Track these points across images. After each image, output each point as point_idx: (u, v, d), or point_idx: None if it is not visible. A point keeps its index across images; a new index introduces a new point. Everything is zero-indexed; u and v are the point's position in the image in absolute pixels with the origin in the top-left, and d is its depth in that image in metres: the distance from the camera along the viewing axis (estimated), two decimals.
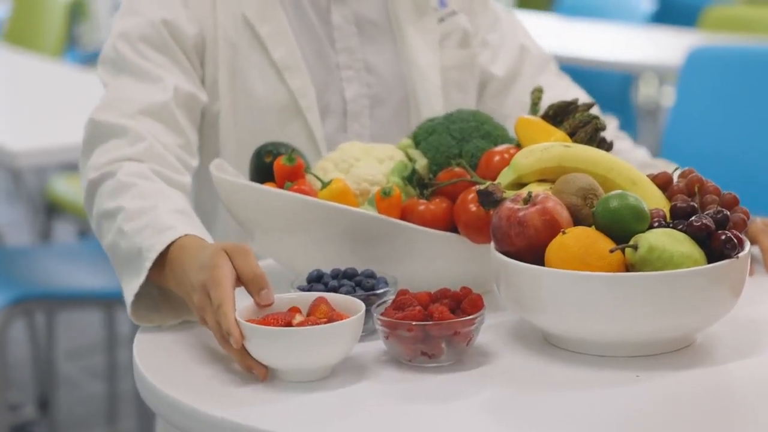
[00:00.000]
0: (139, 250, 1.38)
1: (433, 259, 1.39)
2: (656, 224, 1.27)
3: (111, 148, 1.52)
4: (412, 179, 1.45)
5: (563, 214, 1.27)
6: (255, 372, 1.22)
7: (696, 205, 1.29)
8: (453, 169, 1.43)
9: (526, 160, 1.35)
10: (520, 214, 1.27)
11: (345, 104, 1.72)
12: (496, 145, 1.48)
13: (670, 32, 4.07)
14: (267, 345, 1.21)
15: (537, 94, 1.50)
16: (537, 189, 1.34)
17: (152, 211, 1.41)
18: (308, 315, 1.25)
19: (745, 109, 2.81)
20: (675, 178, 1.38)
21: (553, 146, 1.36)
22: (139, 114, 1.56)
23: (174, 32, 1.63)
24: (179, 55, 1.63)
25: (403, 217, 1.41)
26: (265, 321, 1.23)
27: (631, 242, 1.23)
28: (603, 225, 1.26)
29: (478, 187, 1.35)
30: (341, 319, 1.22)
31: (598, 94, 4.10)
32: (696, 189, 1.34)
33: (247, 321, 1.22)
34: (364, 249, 1.40)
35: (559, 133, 1.42)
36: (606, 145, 1.45)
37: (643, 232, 1.24)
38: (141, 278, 1.36)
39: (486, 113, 1.53)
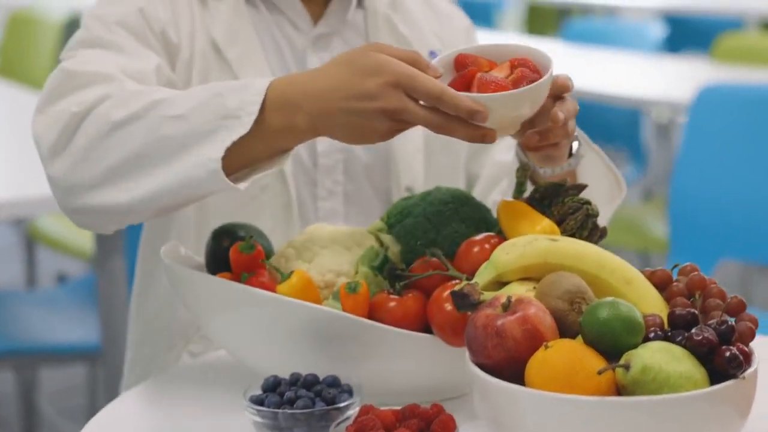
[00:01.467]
0: (223, 114, 1.26)
1: (404, 362, 1.25)
2: (652, 335, 1.12)
3: (95, 90, 1.36)
4: (383, 269, 1.31)
5: (547, 323, 1.13)
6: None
7: (696, 312, 1.14)
8: (428, 260, 1.29)
9: (507, 256, 1.21)
10: (498, 322, 1.12)
11: (316, 157, 1.59)
12: (477, 229, 1.34)
13: (680, 62, 3.93)
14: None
15: (522, 172, 1.35)
16: (519, 290, 1.19)
17: (207, 89, 1.32)
18: None
19: (758, 151, 2.67)
20: (675, 275, 1.23)
21: (537, 240, 1.22)
22: (122, 73, 1.41)
23: (151, 25, 1.51)
24: (156, 48, 1.50)
25: (371, 314, 1.26)
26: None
27: (623, 361, 1.08)
28: (591, 338, 1.11)
29: (454, 285, 1.20)
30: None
31: (606, 123, 3.99)
32: (697, 294, 1.19)
33: None
34: (329, 348, 1.25)
35: (545, 221, 1.27)
36: (599, 234, 1.31)
37: (637, 346, 1.10)
38: (241, 130, 1.25)
39: (466, 192, 1.39)
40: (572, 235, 1.29)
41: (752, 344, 1.13)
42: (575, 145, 1.50)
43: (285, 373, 1.24)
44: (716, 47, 3.72)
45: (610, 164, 1.60)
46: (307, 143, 1.55)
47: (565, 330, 1.14)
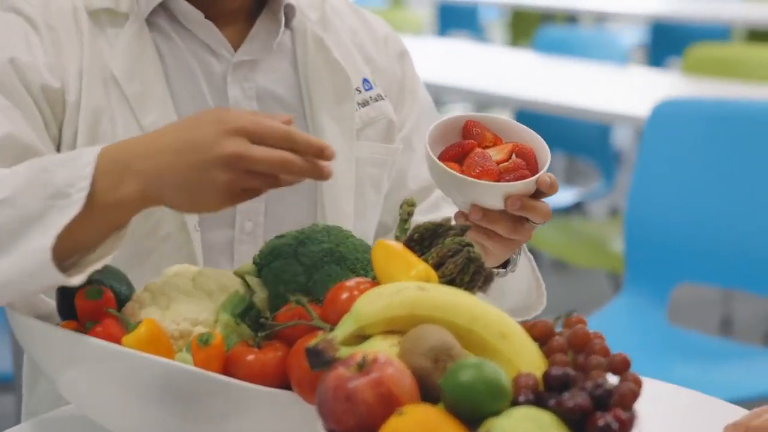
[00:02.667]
0: (51, 193, 1.13)
1: (263, 421, 1.14)
2: (522, 398, 1.01)
3: None
4: (246, 317, 1.19)
5: (405, 386, 1.01)
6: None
7: (572, 373, 1.02)
8: (293, 307, 1.17)
9: (370, 306, 1.09)
10: (350, 384, 1.00)
11: None
12: (354, 272, 1.22)
13: (649, 74, 3.80)
14: None
15: (407, 208, 1.23)
16: (381, 345, 1.07)
17: (33, 165, 1.19)
18: None
19: (715, 169, 2.55)
20: (560, 327, 1.12)
21: (405, 288, 1.10)
22: None
23: (23, 76, 1.36)
24: (26, 102, 1.36)
25: (227, 369, 1.14)
26: None
27: (482, 430, 0.97)
28: (451, 403, 0.99)
29: (312, 338, 1.08)
30: None
31: (575, 137, 3.87)
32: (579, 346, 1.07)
33: None
34: (180, 406, 1.14)
35: (421, 266, 1.15)
36: (482, 279, 1.19)
37: (501, 412, 0.98)
38: (72, 211, 1.12)
39: (346, 230, 1.27)
40: (452, 281, 1.17)
41: (639, 407, 1.02)
42: (516, 257, 1.41)
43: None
44: (687, 58, 3.60)
45: (537, 275, 1.51)
46: None
47: (429, 392, 1.02)
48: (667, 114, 2.57)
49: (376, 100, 1.53)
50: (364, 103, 1.52)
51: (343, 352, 1.06)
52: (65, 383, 1.19)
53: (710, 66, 3.55)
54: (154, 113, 1.39)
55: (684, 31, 5.77)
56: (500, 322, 1.09)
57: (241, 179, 1.11)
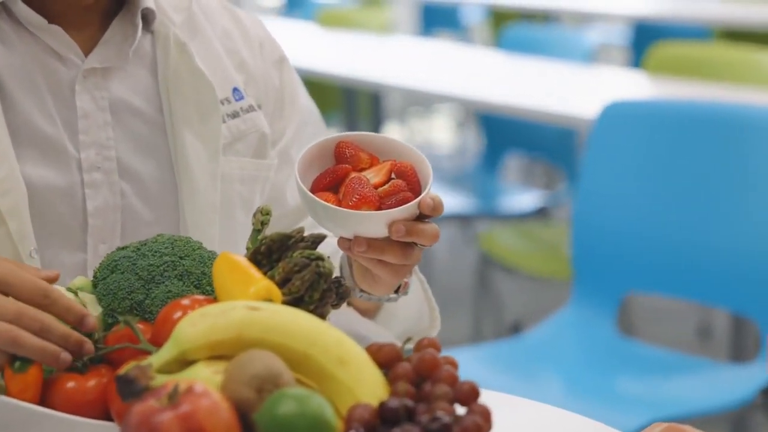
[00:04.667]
0: None
1: None
2: None
3: None
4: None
5: (220, 421, 0.89)
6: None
7: (410, 405, 0.91)
8: (122, 328, 1.06)
9: (192, 329, 0.97)
10: (155, 419, 0.89)
11: (85, 217, 1.30)
12: (198, 288, 1.10)
13: (607, 74, 3.68)
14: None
15: (260, 216, 1.12)
16: (203, 373, 0.96)
17: None
18: None
19: (664, 174, 2.43)
20: (411, 351, 1.00)
21: (233, 308, 0.98)
22: None
23: None
24: None
25: (46, 397, 1.03)
26: None
27: None
28: None
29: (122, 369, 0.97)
30: None
31: (538, 138, 3.75)
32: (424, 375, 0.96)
33: None
34: None
35: (262, 282, 1.04)
36: (335, 296, 1.07)
37: None
38: None
39: (195, 241, 1.15)
40: (299, 299, 1.05)
41: None
42: (408, 280, 1.30)
43: None
44: (651, 58, 3.47)
45: (430, 297, 1.40)
46: (73, 198, 1.29)
47: (252, 428, 0.91)
48: (615, 116, 2.45)
49: (248, 112, 1.40)
50: (234, 115, 1.39)
51: (160, 380, 0.95)
52: None
53: (676, 66, 3.42)
54: None
55: (665, 32, 5.65)
56: (339, 346, 0.97)
57: None
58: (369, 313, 1.35)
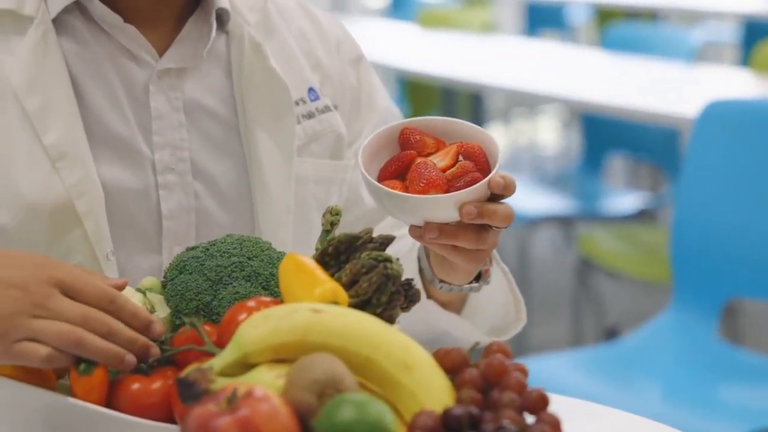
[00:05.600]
0: None
1: None
2: None
3: None
4: None
5: (279, 426, 0.87)
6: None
7: (475, 413, 0.87)
8: (188, 329, 1.04)
9: (254, 331, 0.95)
10: (213, 423, 0.87)
11: (160, 219, 1.29)
12: (266, 289, 1.08)
13: (716, 73, 3.59)
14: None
15: (329, 217, 1.09)
16: (266, 377, 0.94)
17: None
18: None
19: (763, 176, 2.35)
20: (479, 356, 0.96)
21: (296, 310, 0.96)
22: None
23: None
24: None
25: (112, 399, 1.02)
26: None
27: None
28: None
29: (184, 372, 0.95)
30: None
31: (642, 139, 3.66)
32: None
33: None
34: None
35: (328, 284, 1.01)
36: (403, 299, 1.04)
37: None
38: None
39: (264, 242, 1.13)
40: (366, 302, 1.02)
41: None
42: (488, 268, 1.26)
43: None
44: (755, 56, 3.37)
45: (514, 289, 1.36)
46: (147, 200, 1.28)
47: None
48: (716, 115, 2.38)
49: (323, 112, 1.38)
50: (309, 116, 1.37)
51: (220, 383, 0.93)
52: None
53: None
54: (57, 130, 1.24)
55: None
56: (405, 351, 0.94)
57: (26, 324, 0.98)
58: (452, 306, 1.31)
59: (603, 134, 3.88)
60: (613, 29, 4.38)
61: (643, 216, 3.65)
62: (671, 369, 2.40)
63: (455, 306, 1.31)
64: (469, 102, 4.28)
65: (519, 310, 1.37)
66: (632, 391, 2.38)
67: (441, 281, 1.24)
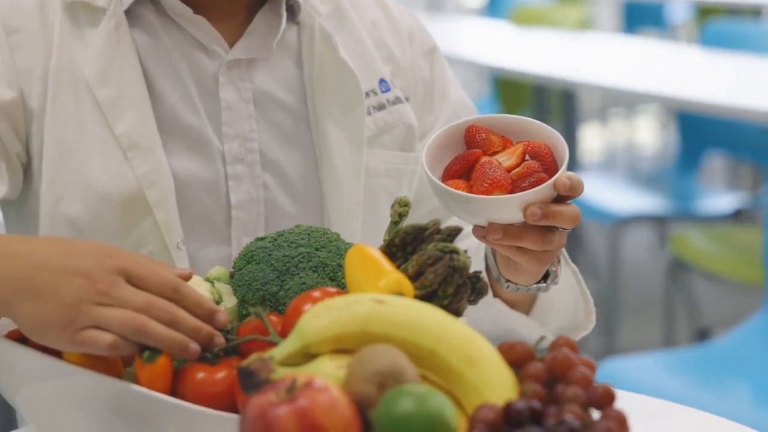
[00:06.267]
0: None
1: None
2: None
3: None
4: None
5: (338, 417, 0.85)
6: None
7: (537, 407, 0.85)
8: (254, 319, 1.04)
9: (316, 321, 0.94)
10: (272, 413, 0.86)
11: (229, 210, 1.29)
12: (333, 280, 1.07)
13: None
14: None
15: (398, 208, 1.08)
16: (327, 367, 0.93)
17: None
18: None
19: None
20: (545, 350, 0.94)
21: (358, 301, 0.95)
22: None
23: None
24: None
25: (176, 387, 1.02)
26: None
27: None
28: None
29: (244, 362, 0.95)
30: None
31: (746, 139, 3.58)
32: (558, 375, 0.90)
33: None
34: (132, 427, 1.02)
35: (392, 275, 1.00)
36: (470, 292, 1.03)
37: None
38: None
39: (333, 233, 1.12)
40: (432, 294, 1.01)
41: None
42: (556, 268, 1.24)
43: None
44: None
45: (584, 289, 1.33)
46: (217, 191, 1.29)
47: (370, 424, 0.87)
48: None
49: (394, 104, 1.37)
50: (380, 107, 1.36)
51: (281, 373, 0.92)
52: (21, 401, 1.09)
53: None
54: (129, 121, 1.25)
55: None
56: (469, 344, 0.92)
57: (91, 312, 0.98)
58: (520, 305, 1.29)
59: (701, 133, 3.81)
60: (713, 26, 4.29)
61: (739, 216, 3.57)
62: (764, 371, 2.34)
63: (523, 305, 1.29)
64: (560, 100, 4.23)
65: (588, 311, 1.34)
66: (723, 393, 2.33)
67: (507, 281, 1.22)
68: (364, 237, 1.29)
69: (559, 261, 1.24)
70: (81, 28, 1.27)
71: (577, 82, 3.81)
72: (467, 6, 8.59)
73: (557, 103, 4.28)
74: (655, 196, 3.71)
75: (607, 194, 3.73)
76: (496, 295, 1.26)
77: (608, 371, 2.34)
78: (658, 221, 3.85)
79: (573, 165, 4.01)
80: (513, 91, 4.65)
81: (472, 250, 1.26)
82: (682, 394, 2.26)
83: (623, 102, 6.85)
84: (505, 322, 1.27)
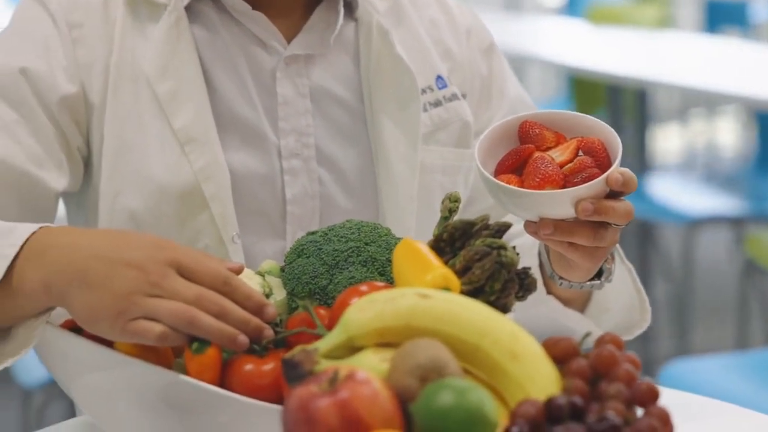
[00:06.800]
0: None
1: None
2: (515, 430, 0.84)
3: None
4: None
5: (379, 409, 0.86)
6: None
7: (579, 403, 0.85)
8: (300, 314, 1.04)
9: (360, 314, 0.95)
10: (313, 404, 0.86)
11: (284, 204, 1.31)
12: (381, 274, 1.08)
13: None
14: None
15: (448, 203, 1.08)
16: (371, 360, 0.93)
17: None
18: None
19: None
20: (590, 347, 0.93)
21: (403, 295, 0.95)
22: None
23: (36, 87, 1.25)
24: (36, 115, 1.25)
25: (225, 378, 1.03)
26: None
27: None
28: (423, 431, 0.84)
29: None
30: None
31: None
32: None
33: None
34: (182, 417, 1.03)
35: (439, 270, 1.00)
36: (518, 288, 1.02)
37: None
38: None
39: (384, 228, 1.13)
40: (479, 289, 1.01)
41: None
42: (610, 266, 1.23)
43: None
44: None
45: (639, 287, 1.32)
46: (273, 185, 1.30)
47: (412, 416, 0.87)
48: None
49: (450, 100, 1.37)
50: (436, 104, 1.36)
51: (325, 365, 0.93)
52: (76, 391, 1.11)
53: None
54: (187, 115, 1.27)
55: None
56: (513, 339, 0.92)
57: (143, 303, 0.99)
58: (575, 303, 1.28)
59: None
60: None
61: None
62: None
63: (578, 303, 1.28)
64: (634, 100, 4.19)
65: (644, 309, 1.33)
66: None
67: (561, 278, 1.21)
68: (419, 232, 1.29)
69: (613, 258, 1.23)
70: (142, 24, 1.29)
71: (653, 81, 3.77)
72: (546, 5, 8.54)
73: (631, 102, 4.24)
74: (731, 197, 3.66)
75: (683, 195, 3.69)
76: (549, 292, 1.26)
77: (679, 372, 2.32)
78: (733, 222, 3.81)
79: (645, 165, 3.97)
80: (588, 90, 4.61)
81: (527, 247, 1.25)
82: (753, 397, 2.23)
83: (703, 102, 6.76)
84: (559, 319, 1.27)
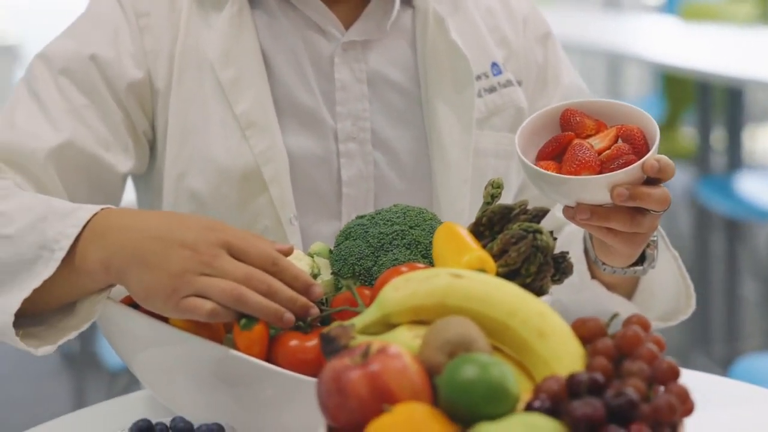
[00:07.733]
0: (41, 243, 1.11)
1: (300, 411, 1.05)
2: (537, 404, 0.87)
3: None
4: None
5: (408, 382, 0.90)
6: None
7: (600, 379, 0.87)
8: (344, 293, 1.09)
9: (395, 293, 0.98)
10: (345, 376, 0.91)
11: (340, 186, 1.36)
12: (424, 257, 1.12)
13: None
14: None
15: (491, 189, 1.11)
16: (405, 336, 0.97)
17: (41, 207, 1.15)
18: None
19: None
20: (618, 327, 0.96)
21: (437, 275, 0.98)
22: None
23: (105, 73, 1.32)
24: (104, 100, 1.32)
25: (272, 353, 1.08)
26: None
27: None
28: (446, 402, 0.87)
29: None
30: None
31: None
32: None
33: None
34: (234, 390, 1.08)
35: (475, 252, 1.03)
36: (553, 271, 1.05)
37: (500, 416, 0.85)
38: (47, 271, 1.10)
39: (429, 212, 1.16)
40: (515, 272, 1.04)
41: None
42: (653, 252, 1.25)
43: (196, 413, 1.09)
44: None
45: (684, 274, 1.34)
46: (329, 167, 1.35)
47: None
48: None
49: (505, 86, 1.41)
50: (491, 90, 1.39)
51: (360, 340, 0.97)
52: (136, 366, 1.17)
53: None
54: (248, 100, 1.32)
55: None
56: (541, 318, 0.95)
57: (194, 282, 1.04)
58: (620, 288, 1.30)
59: None
60: None
61: None
62: None
63: (624, 289, 1.31)
64: (725, 98, 4.15)
65: (689, 296, 1.34)
66: None
67: (603, 263, 1.24)
68: (472, 216, 1.33)
69: (656, 245, 1.25)
70: (206, 12, 1.35)
71: (745, 79, 3.73)
72: (645, 3, 8.46)
73: (721, 100, 4.20)
74: None
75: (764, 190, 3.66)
76: (594, 277, 1.28)
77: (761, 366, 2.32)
78: None
79: (736, 164, 3.93)
80: (679, 87, 4.58)
81: (573, 234, 1.28)
82: None
83: None
84: (603, 303, 1.29)
